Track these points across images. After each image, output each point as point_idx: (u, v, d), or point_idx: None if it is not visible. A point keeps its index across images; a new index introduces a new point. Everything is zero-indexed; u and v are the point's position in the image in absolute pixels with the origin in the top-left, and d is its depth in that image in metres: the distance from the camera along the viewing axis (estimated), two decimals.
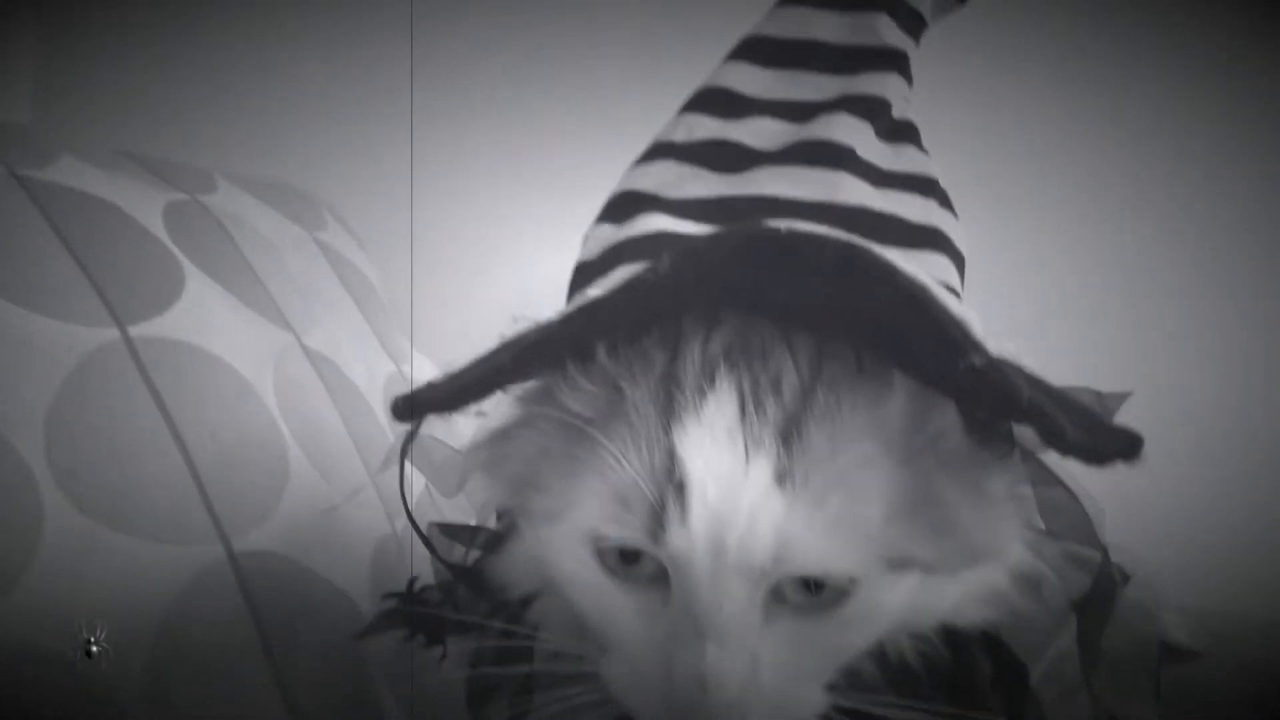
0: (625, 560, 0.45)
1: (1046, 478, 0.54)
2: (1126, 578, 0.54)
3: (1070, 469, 0.55)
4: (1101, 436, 0.43)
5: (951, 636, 0.49)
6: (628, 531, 0.44)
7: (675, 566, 0.43)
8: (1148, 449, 0.44)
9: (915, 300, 0.39)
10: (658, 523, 0.43)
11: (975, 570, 0.47)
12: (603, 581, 0.46)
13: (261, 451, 0.71)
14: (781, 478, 0.42)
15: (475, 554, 0.58)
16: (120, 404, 0.67)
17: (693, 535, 0.42)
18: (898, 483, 0.43)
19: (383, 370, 0.95)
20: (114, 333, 0.69)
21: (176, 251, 0.78)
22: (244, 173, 1.01)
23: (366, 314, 0.99)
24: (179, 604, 0.63)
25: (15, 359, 0.65)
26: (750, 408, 0.43)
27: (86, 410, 0.65)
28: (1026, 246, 1.09)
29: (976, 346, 0.39)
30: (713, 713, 0.42)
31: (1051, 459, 0.55)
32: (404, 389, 0.85)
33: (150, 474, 0.66)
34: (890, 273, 0.39)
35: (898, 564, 0.43)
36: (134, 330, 0.70)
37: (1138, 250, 1.11)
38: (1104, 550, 0.53)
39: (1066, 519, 0.54)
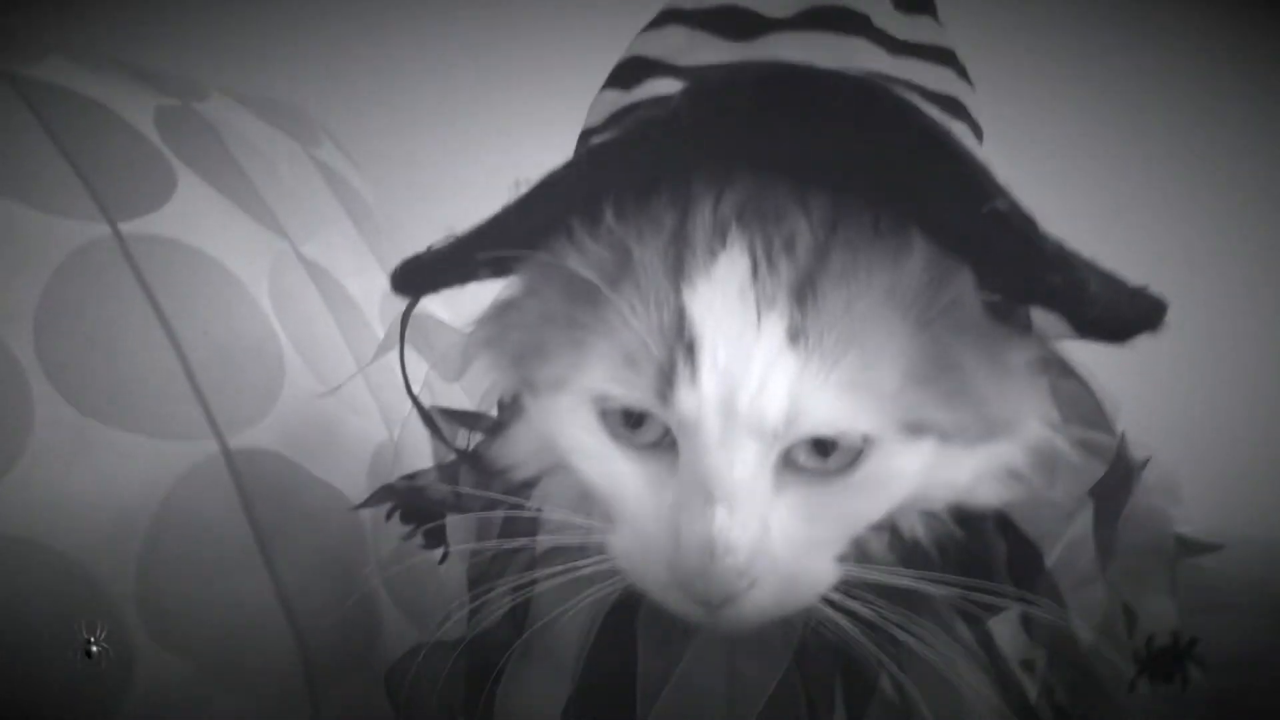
0: (630, 425, 0.44)
1: (1061, 369, 0.53)
2: (1143, 465, 0.53)
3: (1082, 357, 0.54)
4: (1124, 298, 0.42)
5: (964, 517, 0.48)
6: (635, 392, 0.42)
7: (684, 429, 0.42)
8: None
9: (937, 141, 0.37)
10: (666, 383, 0.41)
11: (992, 445, 0.45)
12: (608, 448, 0.44)
13: (256, 352, 0.70)
14: (795, 336, 0.40)
15: (478, 438, 0.57)
16: (111, 298, 0.65)
17: (702, 395, 0.41)
18: (914, 346, 0.42)
19: (379, 286, 0.93)
20: (104, 228, 0.67)
21: (168, 153, 0.76)
22: (236, 87, 0.99)
23: (363, 231, 0.97)
24: (172, 498, 0.62)
25: (3, 252, 0.63)
26: (763, 267, 0.41)
27: (77, 304, 0.64)
28: (1041, 131, 1.07)
29: (1000, 190, 0.38)
30: (722, 580, 0.41)
31: (1067, 350, 0.53)
32: (400, 306, 0.83)
33: (142, 369, 0.64)
34: (911, 111, 0.37)
35: (913, 428, 0.42)
36: (125, 226, 0.68)
37: (1157, 141, 1.10)
38: (1121, 436, 0.52)
39: (1082, 408, 0.53)
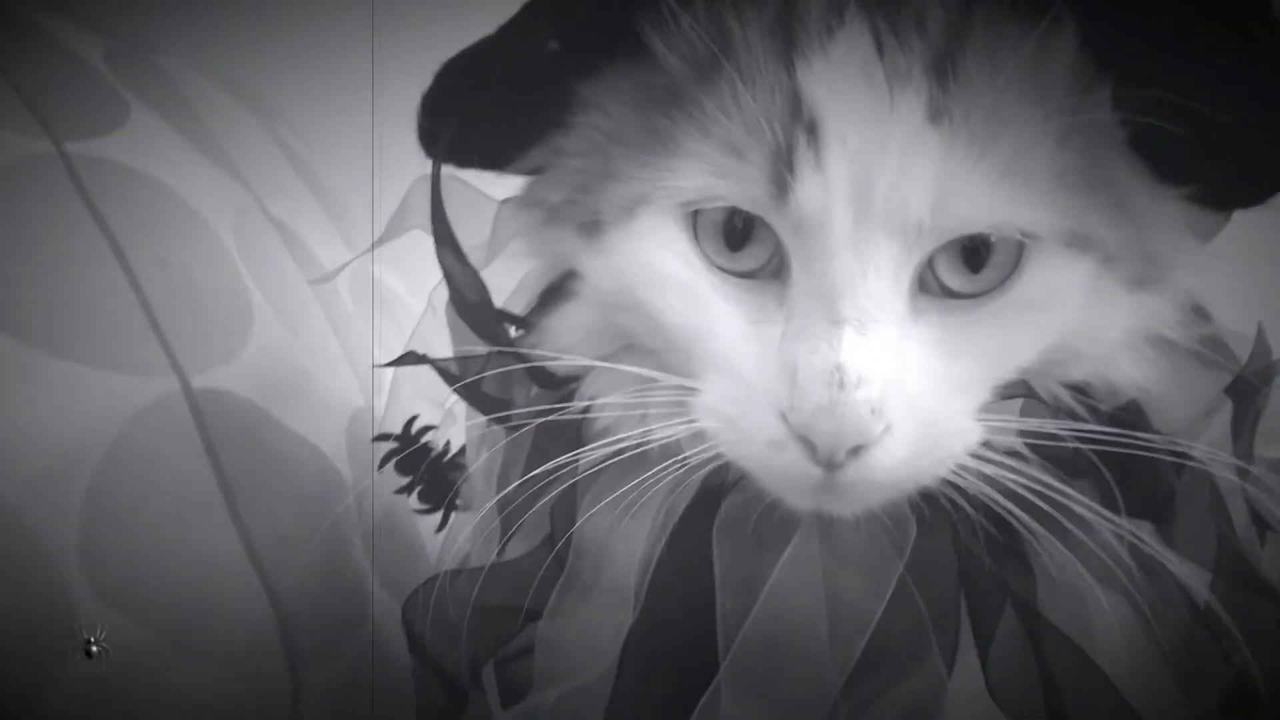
0: (733, 244, 0.37)
1: None
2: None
3: None
4: None
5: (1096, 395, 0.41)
6: (743, 186, 0.35)
7: (804, 231, 0.35)
8: None
9: None
10: (784, 168, 0.34)
11: (1148, 294, 0.39)
12: (701, 278, 0.37)
13: (221, 291, 0.62)
14: (936, 115, 0.34)
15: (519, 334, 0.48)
16: (56, 219, 0.57)
17: (829, 182, 0.34)
18: (1065, 150, 0.35)
19: (343, 259, 0.85)
20: (46, 145, 0.59)
21: (119, 85, 0.68)
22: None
23: (327, 209, 0.90)
24: (123, 439, 0.53)
25: None
26: (890, 43, 0.35)
27: (16, 222, 0.56)
28: None
29: None
30: (853, 418, 0.33)
31: None
32: (367, 284, 0.75)
33: (91, 297, 0.56)
34: None
35: (1075, 239, 0.36)
36: (71, 146, 0.60)
37: None
38: (1259, 327, 0.45)
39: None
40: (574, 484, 0.42)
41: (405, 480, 0.52)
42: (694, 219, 0.37)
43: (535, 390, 0.45)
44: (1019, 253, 0.35)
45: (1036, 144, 0.35)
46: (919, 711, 0.38)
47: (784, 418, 0.34)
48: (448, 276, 0.45)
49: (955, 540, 0.39)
